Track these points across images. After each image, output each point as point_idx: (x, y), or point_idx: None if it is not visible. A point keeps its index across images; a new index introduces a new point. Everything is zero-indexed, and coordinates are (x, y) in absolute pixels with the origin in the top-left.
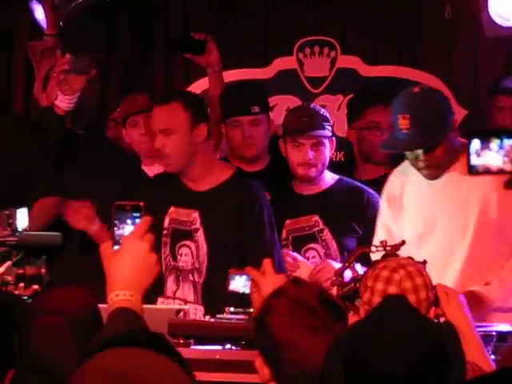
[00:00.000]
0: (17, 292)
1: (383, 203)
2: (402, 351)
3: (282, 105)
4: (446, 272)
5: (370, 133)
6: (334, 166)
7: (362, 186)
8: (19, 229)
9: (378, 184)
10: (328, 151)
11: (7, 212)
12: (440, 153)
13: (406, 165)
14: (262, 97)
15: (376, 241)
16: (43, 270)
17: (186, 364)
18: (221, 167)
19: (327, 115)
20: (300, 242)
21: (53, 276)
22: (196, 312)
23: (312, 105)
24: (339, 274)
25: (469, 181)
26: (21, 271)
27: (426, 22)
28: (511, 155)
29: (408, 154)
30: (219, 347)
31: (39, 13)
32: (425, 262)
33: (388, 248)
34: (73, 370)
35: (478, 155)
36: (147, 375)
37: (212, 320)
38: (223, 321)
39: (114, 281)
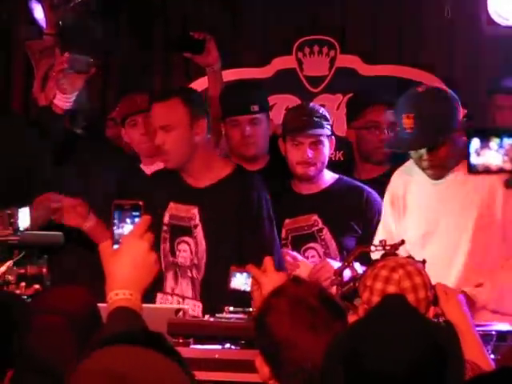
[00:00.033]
0: (18, 291)
1: (386, 202)
2: (401, 351)
3: (281, 104)
4: (448, 271)
5: (369, 132)
6: (333, 166)
7: (362, 185)
8: (21, 228)
9: (378, 183)
10: (327, 150)
11: (9, 211)
12: (444, 153)
13: (410, 164)
14: (262, 96)
15: (376, 240)
16: (44, 270)
17: (185, 363)
18: (220, 163)
19: (326, 114)
20: (299, 242)
21: (53, 275)
22: (195, 308)
23: (311, 104)
24: (338, 273)
25: (473, 181)
26: (22, 271)
27: (426, 22)
28: (511, 154)
29: (412, 153)
30: (218, 346)
31: (38, 12)
32: (424, 262)
33: (387, 247)
34: (72, 370)
35: (478, 154)
36: (145, 374)
37: (211, 319)
38: (223, 320)
39: (113, 280)
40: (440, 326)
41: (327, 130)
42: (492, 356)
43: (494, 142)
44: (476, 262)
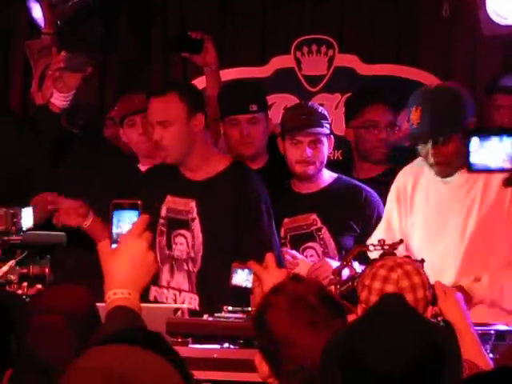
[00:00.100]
0: (20, 291)
1: (392, 198)
2: (399, 350)
3: (279, 103)
4: (453, 270)
5: (368, 131)
6: (331, 165)
7: (361, 184)
8: (24, 228)
9: (376, 183)
10: (326, 149)
11: (12, 211)
12: (451, 149)
13: (420, 162)
14: (260, 95)
15: (374, 236)
16: (47, 270)
17: (183, 363)
18: (218, 157)
19: (325, 113)
20: (298, 241)
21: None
22: (191, 301)
23: (310, 103)
24: (337, 272)
25: (483, 180)
26: (24, 270)
27: (424, 21)
28: (510, 153)
29: (419, 148)
30: (217, 346)
31: (37, 11)
32: (422, 261)
33: (386, 247)
34: (68, 368)
35: (478, 153)
36: (139, 374)
37: (210, 319)
38: (221, 320)
39: (111, 279)
40: (438, 326)
41: (326, 129)
42: (491, 355)
43: (494, 141)
44: (480, 260)
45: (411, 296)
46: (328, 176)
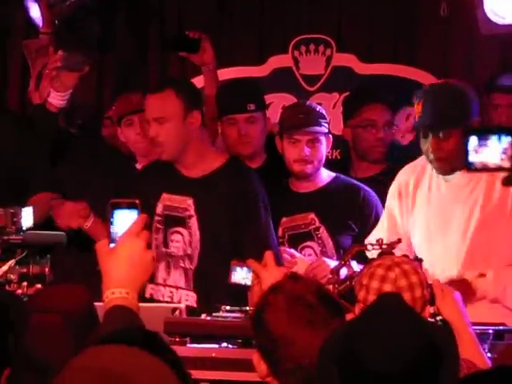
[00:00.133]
0: (20, 291)
1: (393, 195)
2: (397, 349)
3: (277, 103)
4: (455, 267)
5: (365, 130)
6: (329, 164)
7: (359, 183)
8: (24, 228)
9: (374, 182)
10: (324, 148)
11: (12, 210)
12: (451, 145)
13: (422, 160)
14: (258, 94)
15: (374, 235)
16: (47, 270)
17: (179, 363)
18: (214, 154)
19: (323, 112)
20: (296, 240)
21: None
22: (188, 298)
23: (308, 102)
24: (335, 272)
25: (486, 179)
26: (24, 270)
27: (422, 20)
28: (509, 152)
29: (421, 144)
30: (215, 345)
31: (34, 11)
32: (421, 260)
33: (384, 246)
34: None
35: (476, 152)
36: (132, 373)
37: (208, 318)
38: (219, 319)
39: (109, 279)
40: (436, 325)
41: (324, 128)
42: (489, 355)
43: (492, 140)
44: (481, 261)
45: (409, 295)
46: (326, 175)
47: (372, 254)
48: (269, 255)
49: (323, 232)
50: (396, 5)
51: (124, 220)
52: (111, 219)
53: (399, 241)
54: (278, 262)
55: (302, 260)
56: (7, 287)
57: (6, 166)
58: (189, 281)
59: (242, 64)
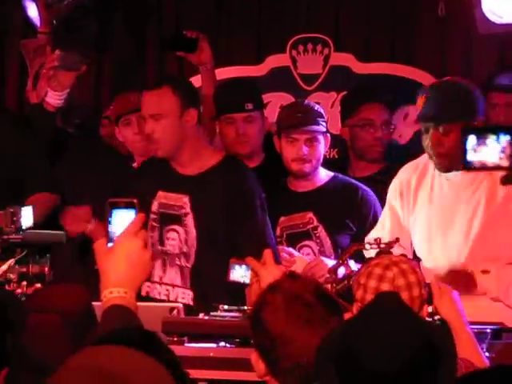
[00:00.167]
0: (19, 290)
1: (394, 193)
2: (394, 349)
3: (275, 102)
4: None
5: (363, 130)
6: (327, 164)
7: (357, 183)
8: (24, 227)
9: (372, 181)
10: (322, 147)
11: (12, 210)
12: (451, 142)
13: (424, 159)
14: (256, 94)
15: (373, 233)
16: (46, 269)
17: (176, 363)
18: (210, 152)
19: (321, 111)
20: (294, 239)
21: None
22: (184, 296)
23: (306, 101)
24: (333, 271)
25: (490, 179)
26: (24, 269)
27: (420, 19)
28: (507, 151)
29: (423, 140)
30: (213, 345)
31: (32, 10)
32: (418, 260)
33: (382, 245)
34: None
35: (475, 151)
36: (127, 373)
37: (206, 317)
38: (217, 318)
39: (107, 278)
40: (433, 324)
41: (322, 127)
42: (487, 354)
43: (491, 139)
44: (484, 262)
45: (407, 294)
46: (324, 174)
47: (369, 253)
48: (268, 253)
49: (321, 231)
50: (394, 4)
51: (122, 219)
52: (109, 218)
53: (397, 240)
54: (276, 260)
55: (300, 259)
56: (7, 287)
57: (5, 166)
58: (185, 279)
59: (240, 63)
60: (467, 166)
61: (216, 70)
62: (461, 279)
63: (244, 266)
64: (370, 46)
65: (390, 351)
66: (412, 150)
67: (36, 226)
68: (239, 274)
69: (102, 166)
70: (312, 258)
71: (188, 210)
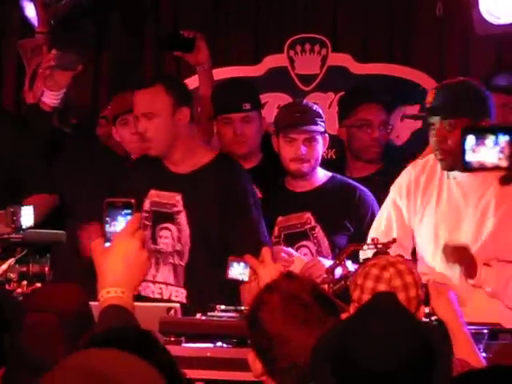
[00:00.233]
0: (19, 290)
1: (401, 192)
2: (391, 349)
3: (272, 102)
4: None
5: (360, 130)
6: (325, 164)
7: (355, 183)
8: (24, 226)
9: (370, 182)
10: (320, 147)
11: (12, 209)
12: (456, 139)
13: (431, 160)
14: (253, 94)
15: (372, 233)
16: (46, 269)
17: (171, 364)
18: (203, 150)
19: (320, 111)
20: (292, 240)
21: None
22: (178, 294)
23: (304, 101)
24: (330, 271)
25: (496, 183)
26: (24, 269)
27: (418, 20)
28: (506, 151)
29: (430, 137)
30: (210, 345)
31: (30, 10)
32: (415, 260)
33: (379, 246)
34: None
35: (474, 151)
36: (118, 376)
37: (203, 318)
38: (214, 319)
39: (105, 278)
40: (429, 325)
41: (320, 127)
42: (484, 354)
43: (490, 139)
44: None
45: (404, 295)
46: (323, 175)
47: (365, 253)
48: (266, 251)
49: (319, 231)
50: (391, 4)
51: (119, 219)
52: (106, 218)
53: (394, 241)
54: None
55: (299, 259)
56: (7, 286)
57: (3, 167)
58: (178, 277)
59: (238, 63)
60: (465, 167)
61: (213, 70)
62: (463, 260)
63: (242, 264)
64: (367, 47)
65: (386, 351)
66: (409, 151)
67: (35, 226)
68: (237, 271)
69: (98, 166)
70: (309, 259)
71: (180, 207)
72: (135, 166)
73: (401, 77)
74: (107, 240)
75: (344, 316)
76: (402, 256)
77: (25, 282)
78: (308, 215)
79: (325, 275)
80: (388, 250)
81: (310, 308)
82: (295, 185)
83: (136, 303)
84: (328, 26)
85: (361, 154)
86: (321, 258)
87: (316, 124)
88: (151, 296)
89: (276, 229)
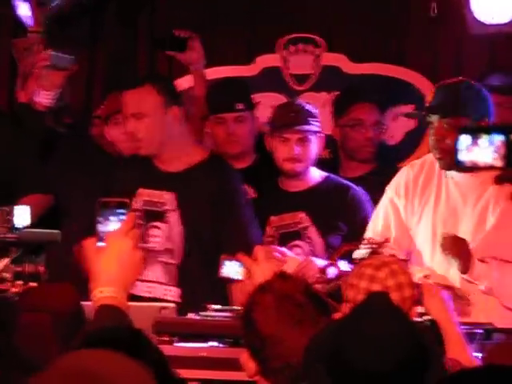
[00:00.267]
0: (14, 289)
1: (399, 191)
2: (384, 349)
3: (266, 102)
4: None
5: (354, 130)
6: (319, 164)
7: (349, 183)
8: (19, 226)
9: (363, 181)
10: (314, 147)
11: (6, 209)
12: (454, 139)
13: (429, 160)
14: (246, 94)
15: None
16: (42, 268)
17: (162, 364)
18: (195, 149)
19: (314, 111)
20: (285, 239)
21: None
22: (167, 293)
23: (299, 101)
24: (323, 271)
25: (494, 185)
26: (19, 269)
27: (411, 20)
28: (501, 151)
29: (429, 137)
30: (204, 344)
31: (23, 9)
32: (407, 260)
33: (373, 246)
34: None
35: (468, 151)
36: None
37: (197, 317)
38: (208, 318)
39: (98, 277)
40: (422, 325)
41: (314, 127)
42: (478, 354)
43: (484, 139)
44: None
45: (397, 295)
46: (318, 175)
47: (359, 253)
48: (258, 250)
49: (312, 231)
50: (386, 4)
51: (112, 219)
52: (99, 218)
53: (387, 240)
54: None
55: (292, 259)
56: (1, 286)
57: (1, 168)
58: (169, 276)
59: (231, 63)
60: (459, 166)
61: (207, 69)
62: (461, 250)
63: (235, 262)
64: (361, 47)
65: (379, 351)
66: (403, 151)
67: (31, 225)
68: (230, 269)
69: (93, 166)
70: (302, 258)
71: (171, 206)
72: (125, 165)
73: (394, 77)
74: (100, 239)
75: (336, 316)
76: (395, 256)
77: (20, 282)
78: (301, 215)
79: (318, 275)
80: (383, 250)
81: (304, 308)
82: (289, 184)
83: (130, 303)
84: (321, 25)
85: (354, 153)
86: (313, 258)
87: (309, 124)
88: (141, 295)
89: (270, 228)
